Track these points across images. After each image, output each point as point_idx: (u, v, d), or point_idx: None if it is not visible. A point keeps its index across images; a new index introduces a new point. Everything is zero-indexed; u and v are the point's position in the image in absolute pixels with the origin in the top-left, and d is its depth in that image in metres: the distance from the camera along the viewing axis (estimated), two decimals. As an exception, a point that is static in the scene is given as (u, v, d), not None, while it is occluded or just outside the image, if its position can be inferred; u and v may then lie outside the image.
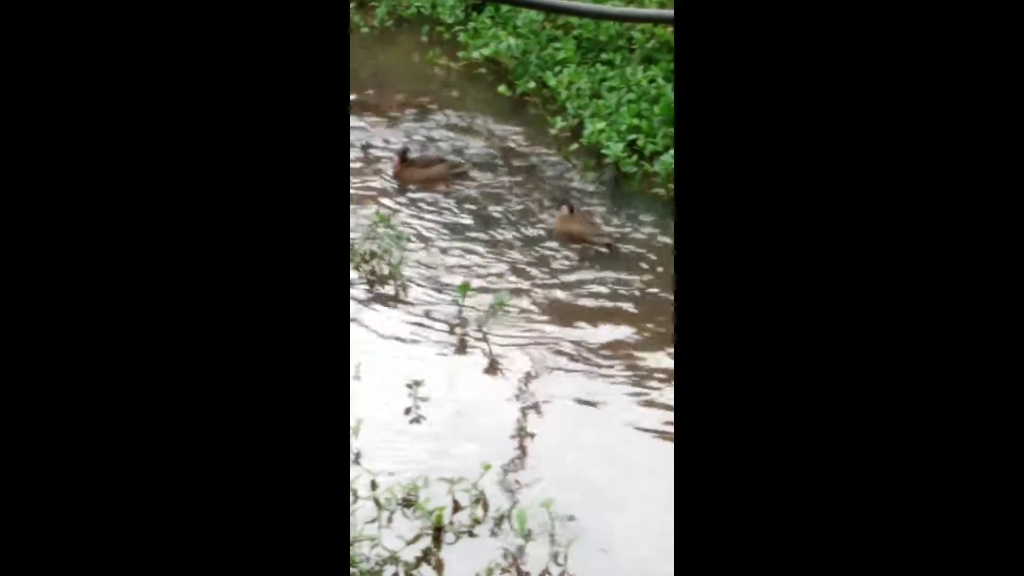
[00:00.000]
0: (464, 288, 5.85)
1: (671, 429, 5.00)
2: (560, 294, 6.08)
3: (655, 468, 4.76)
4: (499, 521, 4.41)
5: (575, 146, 7.39)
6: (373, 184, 7.13)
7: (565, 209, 6.59)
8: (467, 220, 6.78)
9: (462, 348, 5.64)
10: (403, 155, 7.11)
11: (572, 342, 5.65)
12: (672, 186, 6.91)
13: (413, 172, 7.09)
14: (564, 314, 5.89)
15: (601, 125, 7.34)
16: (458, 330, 5.73)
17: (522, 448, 4.90)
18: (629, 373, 5.43)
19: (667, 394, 5.24)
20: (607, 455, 4.86)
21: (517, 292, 6.01)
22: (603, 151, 7.21)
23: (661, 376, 5.38)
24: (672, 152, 7.01)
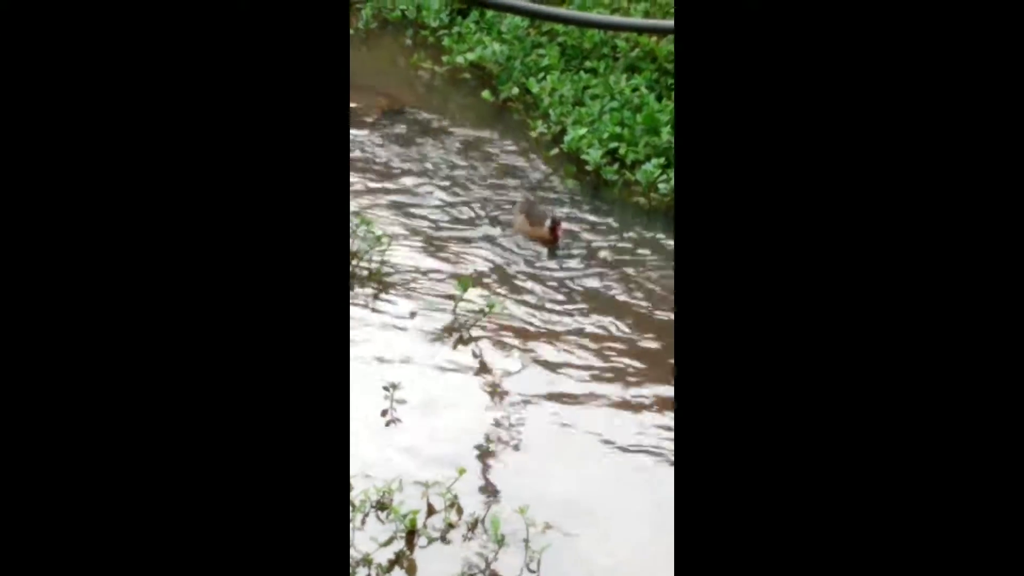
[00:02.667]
0: (466, 283, 5.82)
1: (650, 440, 5.00)
2: (538, 298, 6.08)
3: (632, 476, 4.77)
4: (473, 526, 4.40)
5: (556, 151, 7.39)
6: (353, 186, 7.11)
7: (522, 206, 6.63)
8: (445, 221, 6.78)
9: (440, 351, 5.63)
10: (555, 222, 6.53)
11: (553, 347, 5.64)
12: (653, 195, 6.93)
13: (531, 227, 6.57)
14: (543, 320, 5.88)
15: (583, 132, 7.34)
16: (439, 332, 5.72)
17: (499, 453, 4.90)
18: (610, 377, 5.43)
19: (645, 399, 5.25)
20: (586, 462, 4.86)
21: (498, 295, 6.01)
22: (584, 158, 7.22)
23: (640, 382, 5.38)
24: (653, 162, 7.02)
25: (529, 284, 6.21)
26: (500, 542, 4.27)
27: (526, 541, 4.29)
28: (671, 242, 6.61)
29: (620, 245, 6.59)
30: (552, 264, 6.39)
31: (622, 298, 6.11)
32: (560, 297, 6.10)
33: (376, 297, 6.01)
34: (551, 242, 6.46)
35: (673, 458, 4.86)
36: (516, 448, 4.94)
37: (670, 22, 4.90)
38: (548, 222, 6.48)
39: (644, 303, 6.05)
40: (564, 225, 6.56)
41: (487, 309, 5.74)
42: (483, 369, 5.48)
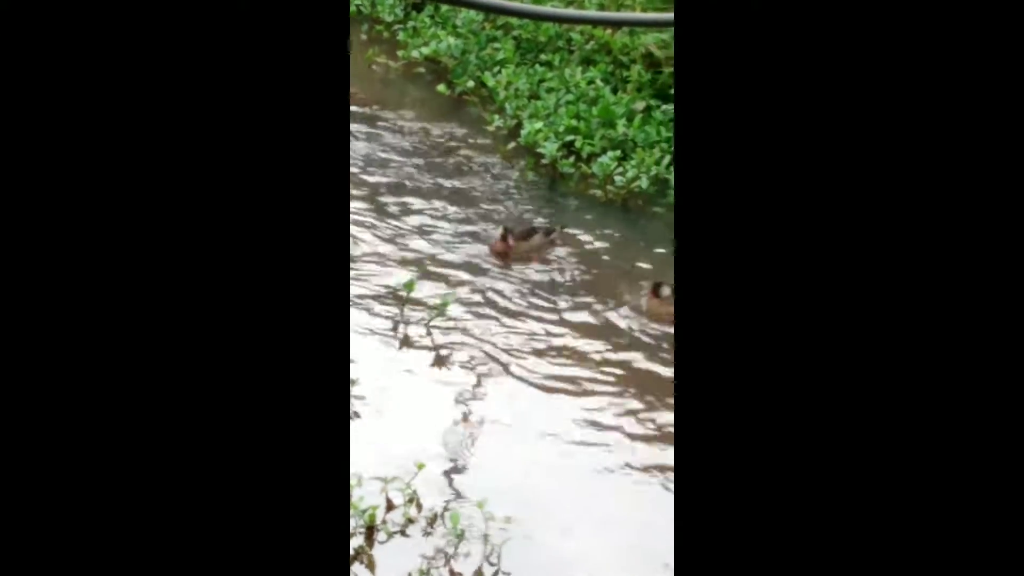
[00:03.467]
0: (410, 286, 5.81)
1: (606, 433, 5.01)
2: (498, 292, 6.07)
3: (589, 468, 4.78)
4: (432, 521, 4.39)
5: (512, 145, 7.40)
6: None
7: (540, 235, 6.41)
8: (408, 219, 6.76)
9: (401, 345, 5.61)
10: (506, 234, 6.37)
11: (512, 342, 5.64)
12: (609, 187, 6.94)
13: (519, 248, 6.35)
14: (501, 314, 5.88)
15: (539, 126, 7.35)
16: (400, 327, 5.70)
17: (458, 448, 4.89)
18: (570, 373, 5.44)
19: (602, 391, 5.26)
20: (545, 456, 4.86)
21: (458, 290, 6.00)
22: (540, 151, 7.22)
23: (593, 371, 5.39)
24: (610, 154, 7.04)
25: (488, 279, 6.21)
26: (459, 536, 4.27)
27: (485, 535, 4.29)
28: (625, 234, 6.63)
29: (581, 239, 6.60)
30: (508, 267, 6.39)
31: (585, 298, 6.12)
32: (519, 296, 6.10)
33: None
34: (503, 255, 6.35)
35: (634, 453, 4.88)
36: (474, 442, 4.93)
37: (655, 15, 4.93)
38: (540, 236, 6.37)
39: (597, 297, 6.07)
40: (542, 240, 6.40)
41: (440, 306, 5.73)
42: (440, 363, 5.47)
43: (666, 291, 5.81)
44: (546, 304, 5.99)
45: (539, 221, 6.73)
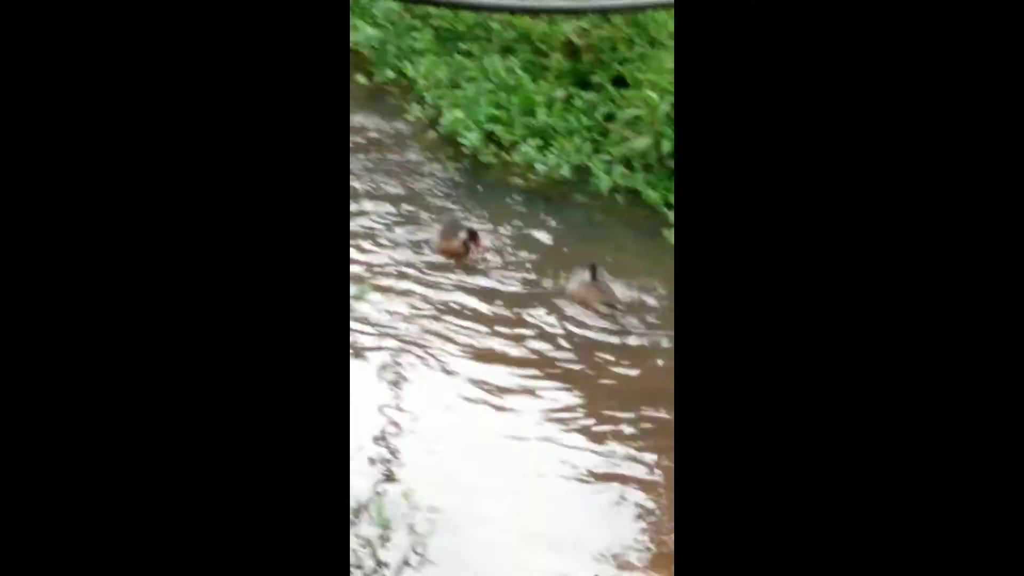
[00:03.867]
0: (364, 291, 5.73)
1: (529, 424, 5.00)
2: (423, 284, 6.03)
3: (517, 458, 4.76)
4: (358, 511, 4.33)
5: (432, 135, 7.34)
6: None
7: (463, 234, 6.26)
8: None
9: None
10: (472, 235, 6.21)
11: (440, 334, 5.60)
12: (531, 176, 6.92)
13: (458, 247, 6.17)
14: (427, 303, 5.84)
15: (459, 115, 7.30)
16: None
17: (384, 438, 4.83)
18: (495, 365, 5.41)
19: (530, 380, 5.24)
20: (471, 444, 4.83)
21: (383, 281, 5.94)
22: (461, 141, 7.18)
23: (526, 367, 5.37)
24: (531, 143, 7.02)
25: (414, 271, 6.16)
26: (385, 527, 4.22)
27: (411, 525, 4.24)
28: (553, 223, 6.62)
29: (501, 230, 6.57)
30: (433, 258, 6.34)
31: (512, 288, 6.09)
32: (448, 285, 6.06)
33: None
34: (462, 255, 6.23)
35: (572, 443, 4.87)
36: (401, 431, 4.88)
37: (576, 2, 4.91)
38: (463, 234, 6.24)
39: (521, 289, 6.04)
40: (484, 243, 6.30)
41: (357, 295, 5.66)
42: (369, 354, 5.41)
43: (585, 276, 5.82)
44: (483, 299, 5.96)
45: (460, 214, 6.68)
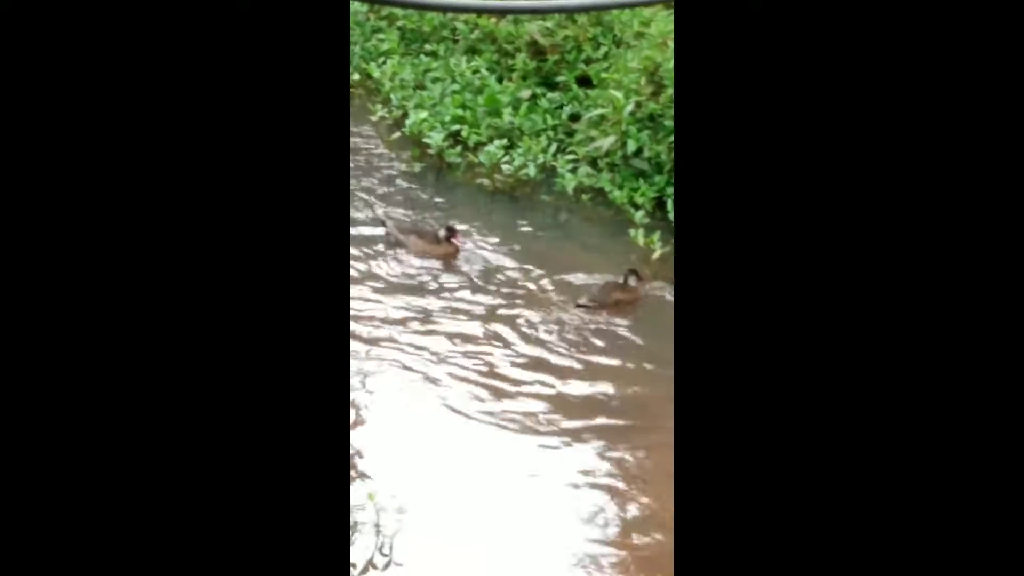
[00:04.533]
0: None
1: (498, 424, 4.99)
2: (385, 282, 6.01)
3: (485, 459, 4.74)
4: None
5: (397, 135, 7.33)
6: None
7: (443, 232, 6.22)
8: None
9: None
10: (451, 233, 6.17)
11: (403, 325, 5.58)
12: (497, 176, 6.92)
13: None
14: (391, 301, 5.82)
15: (424, 115, 7.29)
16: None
17: (351, 434, 4.82)
18: (464, 361, 5.40)
19: (496, 371, 5.23)
20: (438, 444, 4.82)
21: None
22: (426, 141, 7.17)
23: (484, 358, 5.36)
24: (496, 143, 7.02)
25: (378, 262, 6.14)
26: (352, 528, 4.20)
27: (377, 525, 4.23)
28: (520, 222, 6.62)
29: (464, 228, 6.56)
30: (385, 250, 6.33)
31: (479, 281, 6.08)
32: (410, 275, 6.05)
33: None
34: (453, 254, 6.20)
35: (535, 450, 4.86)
36: (366, 431, 4.87)
37: (543, 2, 4.91)
38: (443, 232, 6.19)
39: (476, 281, 6.04)
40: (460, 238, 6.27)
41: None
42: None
43: (632, 282, 5.80)
44: (462, 298, 5.95)
45: (428, 214, 6.68)
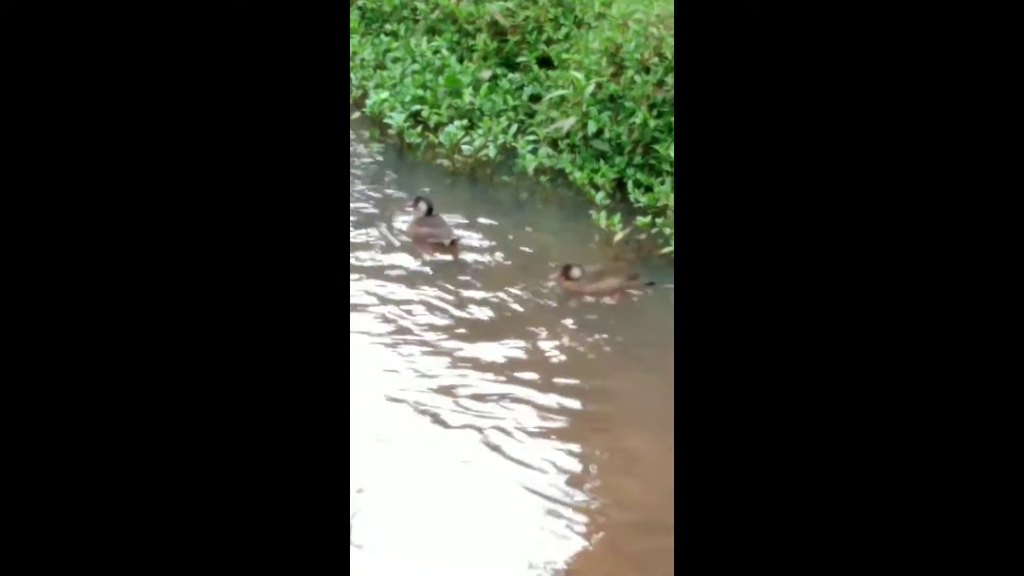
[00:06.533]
0: None
1: (460, 407, 4.97)
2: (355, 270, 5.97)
3: (445, 441, 4.73)
4: (281, 495, 4.29)
5: (357, 115, 7.29)
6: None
7: (423, 206, 6.16)
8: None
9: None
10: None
11: (373, 314, 5.56)
12: (457, 157, 6.89)
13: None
14: (365, 288, 5.78)
15: (385, 95, 7.25)
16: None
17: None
18: (426, 339, 5.38)
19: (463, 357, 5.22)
20: (398, 426, 4.80)
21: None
22: (387, 122, 7.13)
23: (444, 335, 5.35)
24: (457, 123, 6.99)
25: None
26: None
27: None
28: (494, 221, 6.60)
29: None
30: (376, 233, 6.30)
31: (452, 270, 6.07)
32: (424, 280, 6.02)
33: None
34: (454, 247, 6.10)
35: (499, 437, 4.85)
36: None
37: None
38: (447, 242, 6.06)
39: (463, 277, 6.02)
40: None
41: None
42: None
43: (576, 272, 5.72)
44: (423, 285, 5.92)
45: (389, 192, 6.64)
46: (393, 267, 5.99)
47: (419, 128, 7.11)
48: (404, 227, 6.22)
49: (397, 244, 6.17)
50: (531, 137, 6.86)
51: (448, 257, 6.06)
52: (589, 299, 5.72)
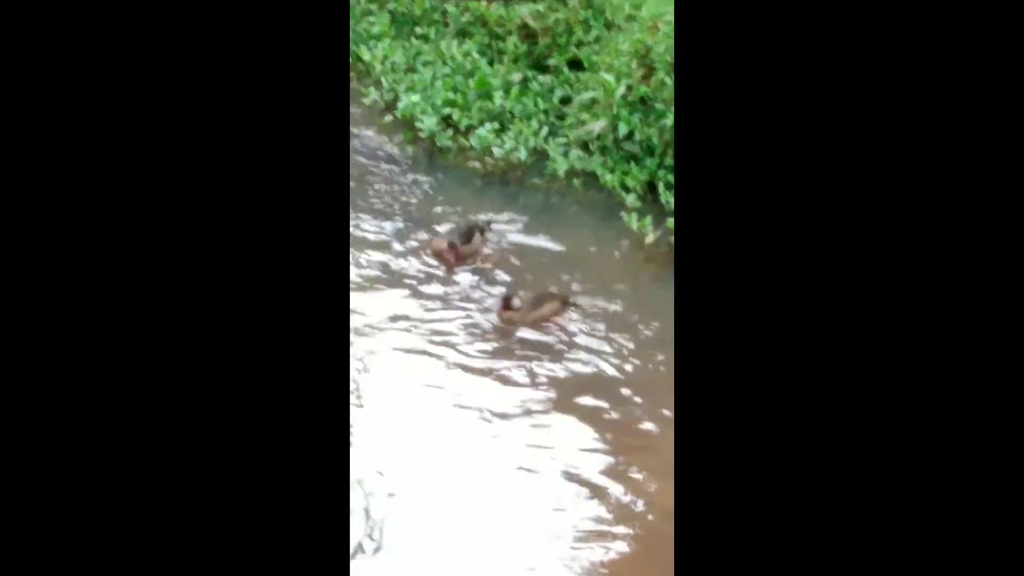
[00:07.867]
0: None
1: (488, 412, 4.98)
2: (378, 271, 6.00)
3: (475, 446, 4.74)
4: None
5: (389, 118, 7.31)
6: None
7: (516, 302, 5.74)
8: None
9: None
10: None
11: (398, 317, 5.57)
12: (488, 160, 6.90)
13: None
14: (388, 291, 5.81)
15: (416, 99, 7.27)
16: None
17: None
18: (455, 352, 5.39)
19: (475, 367, 5.23)
20: (428, 430, 4.81)
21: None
22: (418, 125, 7.15)
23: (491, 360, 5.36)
24: (487, 126, 6.99)
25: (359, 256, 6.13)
26: (340, 513, 4.19)
27: (366, 510, 4.22)
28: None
29: (451, 212, 6.55)
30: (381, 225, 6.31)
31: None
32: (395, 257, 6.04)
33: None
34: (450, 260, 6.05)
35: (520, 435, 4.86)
36: (356, 416, 4.86)
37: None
38: (446, 244, 6.00)
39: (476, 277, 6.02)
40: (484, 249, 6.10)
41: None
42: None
43: (516, 302, 5.57)
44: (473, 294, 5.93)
45: (424, 197, 6.66)
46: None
47: (450, 131, 7.12)
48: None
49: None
50: (561, 140, 6.86)
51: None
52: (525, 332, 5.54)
